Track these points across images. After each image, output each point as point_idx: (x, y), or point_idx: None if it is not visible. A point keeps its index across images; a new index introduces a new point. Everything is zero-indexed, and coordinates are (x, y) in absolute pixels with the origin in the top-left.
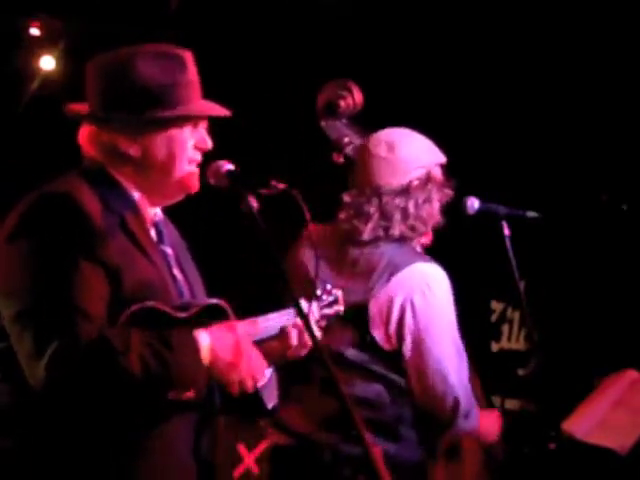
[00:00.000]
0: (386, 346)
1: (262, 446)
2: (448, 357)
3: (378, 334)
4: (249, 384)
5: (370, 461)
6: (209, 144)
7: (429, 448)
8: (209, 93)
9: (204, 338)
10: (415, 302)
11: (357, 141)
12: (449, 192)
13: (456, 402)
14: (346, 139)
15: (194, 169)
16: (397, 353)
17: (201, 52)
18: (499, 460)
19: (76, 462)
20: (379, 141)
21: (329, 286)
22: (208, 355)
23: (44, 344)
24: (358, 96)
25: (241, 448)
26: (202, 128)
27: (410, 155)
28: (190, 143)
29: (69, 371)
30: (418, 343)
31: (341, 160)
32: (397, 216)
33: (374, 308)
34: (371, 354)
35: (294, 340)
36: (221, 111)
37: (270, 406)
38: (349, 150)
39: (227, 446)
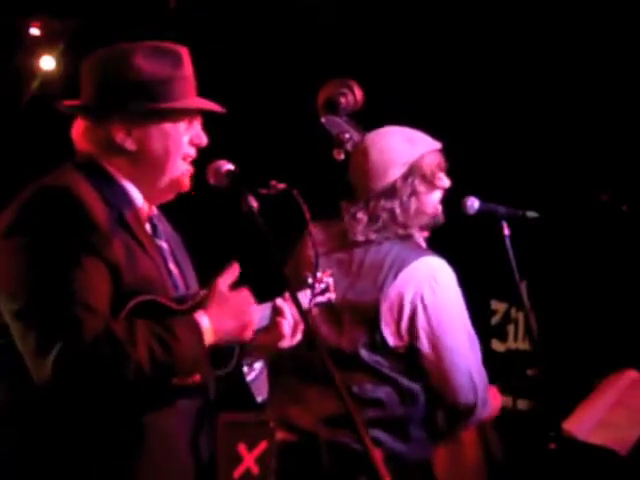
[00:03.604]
0: (397, 342)
1: (262, 446)
2: (462, 347)
3: (388, 331)
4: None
5: (371, 461)
6: (204, 140)
7: (438, 440)
8: (209, 92)
9: (204, 320)
10: (425, 297)
11: (357, 137)
12: (439, 180)
13: (475, 391)
14: (347, 135)
15: (188, 167)
16: (407, 351)
17: (201, 51)
18: (499, 458)
19: (75, 461)
20: (356, 151)
21: (319, 274)
22: (211, 336)
23: (50, 341)
24: (359, 94)
25: (241, 448)
26: (197, 124)
27: (384, 156)
28: (185, 138)
29: (78, 367)
30: (432, 338)
31: (342, 156)
32: (385, 218)
33: (385, 306)
34: (381, 356)
35: (286, 330)
36: (215, 107)
37: (259, 399)
38: (349, 146)
39: (227, 446)
